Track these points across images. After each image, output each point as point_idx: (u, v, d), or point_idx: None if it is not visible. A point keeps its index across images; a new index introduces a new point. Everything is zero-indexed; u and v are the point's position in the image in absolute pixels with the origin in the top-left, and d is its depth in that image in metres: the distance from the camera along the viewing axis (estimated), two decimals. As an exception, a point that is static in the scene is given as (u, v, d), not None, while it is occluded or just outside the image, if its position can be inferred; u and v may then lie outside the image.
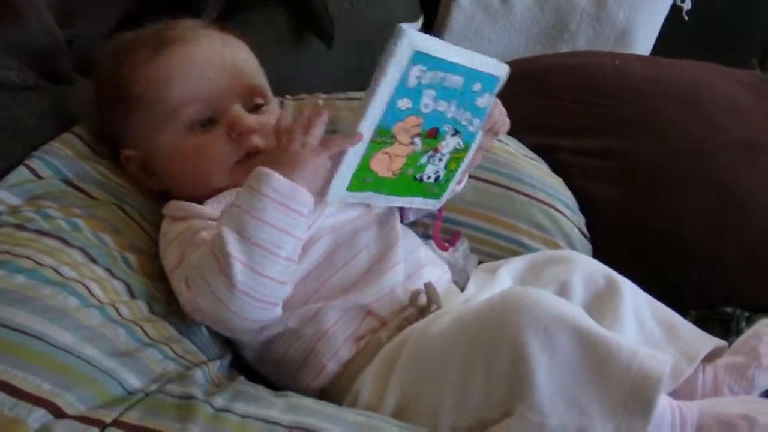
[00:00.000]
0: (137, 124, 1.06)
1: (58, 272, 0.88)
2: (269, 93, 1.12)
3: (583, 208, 1.29)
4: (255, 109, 1.08)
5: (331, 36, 1.50)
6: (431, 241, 1.14)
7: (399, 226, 1.09)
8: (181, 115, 1.04)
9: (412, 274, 1.03)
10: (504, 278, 1.06)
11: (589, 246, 1.26)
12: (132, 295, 0.94)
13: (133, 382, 0.84)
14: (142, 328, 0.90)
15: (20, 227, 0.93)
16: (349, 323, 0.99)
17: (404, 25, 0.86)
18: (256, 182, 0.89)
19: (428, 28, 1.83)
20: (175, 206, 1.02)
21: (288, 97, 1.37)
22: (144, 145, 1.07)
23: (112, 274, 0.93)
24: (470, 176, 1.23)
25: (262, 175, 0.89)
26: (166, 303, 0.97)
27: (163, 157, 1.06)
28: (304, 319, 0.99)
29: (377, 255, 1.03)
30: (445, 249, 1.13)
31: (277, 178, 0.89)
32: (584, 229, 1.27)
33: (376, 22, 1.64)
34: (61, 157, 1.05)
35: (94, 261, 0.93)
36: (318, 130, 0.92)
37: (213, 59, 1.07)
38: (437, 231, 1.13)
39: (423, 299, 0.99)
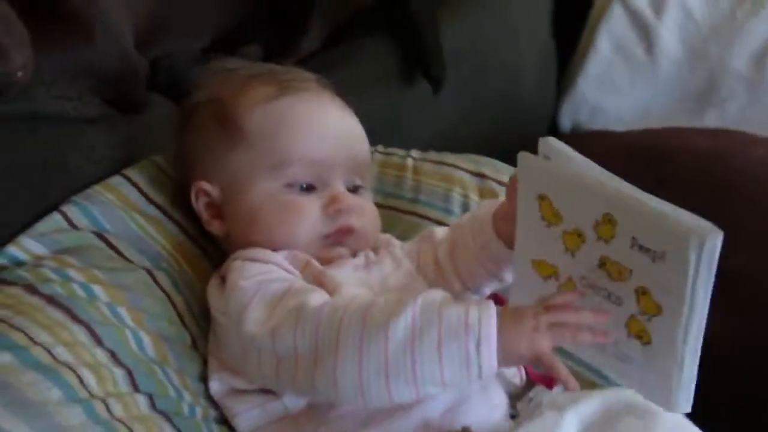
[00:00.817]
0: (236, 160, 0.97)
1: (50, 354, 0.80)
2: (367, 175, 1.04)
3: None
4: (354, 189, 1.00)
5: (440, 80, 1.36)
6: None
7: None
8: (287, 170, 0.96)
9: (454, 407, 0.88)
10: (569, 427, 0.90)
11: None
12: (134, 385, 0.85)
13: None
14: (130, 430, 0.80)
15: (31, 289, 0.86)
16: None
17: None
18: (475, 327, 0.78)
19: (562, 70, 1.65)
20: (251, 251, 0.93)
21: (379, 149, 1.24)
22: (232, 185, 0.98)
23: (116, 360, 0.85)
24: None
25: (485, 327, 0.78)
26: (176, 397, 0.88)
27: (252, 204, 0.96)
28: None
29: None
30: (550, 386, 0.95)
31: (493, 350, 0.78)
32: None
33: (503, 66, 1.49)
34: (102, 204, 0.98)
35: (98, 342, 0.85)
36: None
37: (335, 127, 0.99)
38: None
39: None
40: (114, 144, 1.02)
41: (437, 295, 0.83)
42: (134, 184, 1.01)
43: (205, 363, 0.93)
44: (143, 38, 1.18)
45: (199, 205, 1.00)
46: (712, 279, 0.71)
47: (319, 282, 0.91)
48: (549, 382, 0.94)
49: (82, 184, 0.98)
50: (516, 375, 0.98)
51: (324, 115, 0.99)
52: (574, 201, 0.78)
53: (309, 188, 0.96)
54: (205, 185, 0.99)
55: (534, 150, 0.81)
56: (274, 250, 0.93)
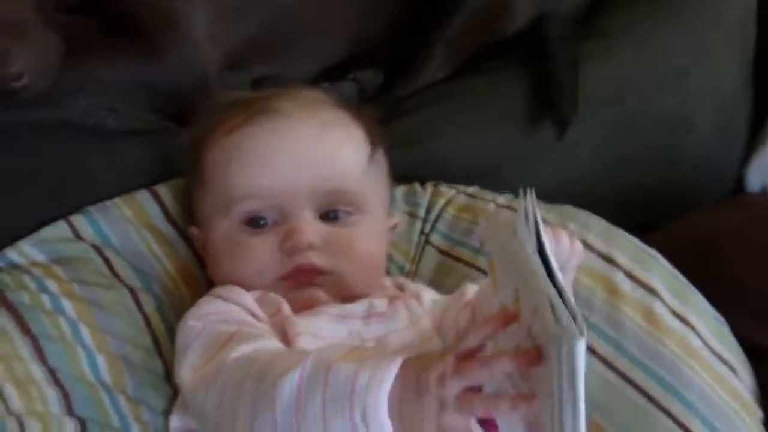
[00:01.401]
0: (202, 202, 0.92)
1: None
2: (364, 201, 0.89)
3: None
4: (330, 218, 0.87)
5: (567, 122, 1.19)
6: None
7: None
8: (237, 207, 0.87)
9: None
10: None
11: None
12: (67, 408, 0.81)
13: None
14: (40, 453, 0.76)
15: None
16: None
17: None
18: (361, 394, 0.61)
19: (757, 126, 1.39)
20: (222, 288, 0.86)
21: (469, 190, 1.10)
22: (204, 227, 0.92)
23: (54, 378, 0.82)
24: (608, 364, 0.88)
25: (372, 395, 0.61)
26: (119, 424, 0.83)
27: (212, 246, 0.91)
28: None
29: None
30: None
31: (383, 425, 0.61)
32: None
33: (662, 115, 1.27)
34: (114, 218, 0.95)
35: (41, 357, 0.83)
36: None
37: (293, 149, 0.88)
38: None
39: None
40: (147, 159, 0.99)
41: (339, 348, 0.69)
42: (158, 200, 0.98)
43: (176, 396, 0.86)
44: (244, 56, 1.15)
45: (199, 247, 0.94)
46: (577, 390, 0.53)
47: (282, 331, 0.80)
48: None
49: (106, 195, 0.96)
50: None
51: (281, 142, 0.88)
52: (505, 271, 0.64)
53: (272, 223, 0.86)
54: (194, 230, 0.94)
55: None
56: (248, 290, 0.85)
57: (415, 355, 0.64)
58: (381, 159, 0.94)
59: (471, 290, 0.88)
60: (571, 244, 0.76)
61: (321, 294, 0.85)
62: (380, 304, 0.86)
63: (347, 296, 0.86)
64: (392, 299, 0.87)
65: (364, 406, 0.61)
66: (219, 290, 0.85)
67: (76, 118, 0.97)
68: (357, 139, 0.92)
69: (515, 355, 0.57)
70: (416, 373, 0.61)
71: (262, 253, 0.86)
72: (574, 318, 0.53)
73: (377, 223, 0.91)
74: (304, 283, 0.85)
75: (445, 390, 0.59)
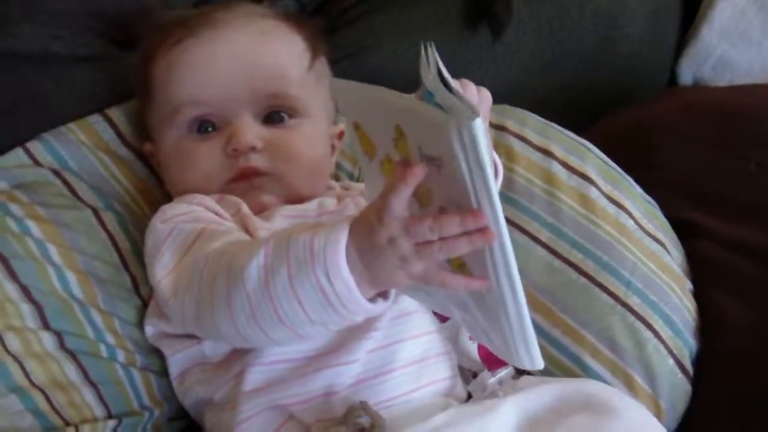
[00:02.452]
0: (150, 116, 0.95)
1: None
2: (304, 105, 0.92)
3: (707, 332, 0.91)
4: (272, 121, 0.90)
5: (502, 23, 1.22)
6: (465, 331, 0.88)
7: (407, 299, 0.85)
8: (181, 115, 0.90)
9: (371, 378, 0.79)
10: (506, 418, 0.77)
11: (686, 388, 0.89)
12: (43, 322, 0.85)
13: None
14: (23, 367, 0.81)
15: None
16: (266, 424, 0.79)
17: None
18: (320, 255, 0.66)
19: (688, 21, 1.43)
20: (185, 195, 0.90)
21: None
22: (156, 141, 0.95)
23: (27, 296, 0.85)
24: (549, 250, 0.93)
25: (330, 254, 0.66)
26: (94, 336, 0.86)
27: (162, 157, 0.94)
28: (224, 398, 0.81)
29: (328, 342, 0.80)
30: (492, 368, 0.83)
31: (346, 279, 0.65)
32: (686, 363, 0.90)
33: (597, 10, 1.30)
34: (70, 142, 0.97)
35: (11, 276, 0.85)
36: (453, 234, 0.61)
37: (232, 56, 0.91)
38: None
39: (363, 419, 0.75)
40: (97, 83, 1.01)
41: (297, 226, 0.74)
42: (112, 124, 1.00)
43: (146, 307, 0.90)
44: None
45: (155, 165, 0.97)
46: (487, 171, 0.56)
47: (245, 228, 0.85)
48: (494, 364, 0.82)
49: (59, 121, 0.98)
50: (482, 351, 0.86)
51: (221, 49, 0.90)
52: (376, 122, 0.66)
53: (216, 129, 0.90)
54: (149, 146, 0.97)
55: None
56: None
57: (358, 216, 0.67)
58: (323, 68, 0.97)
59: None
60: (479, 92, 0.78)
61: (268, 197, 0.88)
62: (330, 202, 0.91)
63: (294, 199, 0.90)
64: (341, 198, 0.92)
65: (325, 265, 0.65)
66: (180, 197, 0.89)
67: (22, 46, 0.98)
68: (296, 46, 0.94)
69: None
70: (366, 234, 0.65)
71: (207, 158, 0.89)
72: (466, 104, 0.55)
73: (319, 127, 0.94)
74: (250, 187, 0.88)
75: (399, 249, 0.63)
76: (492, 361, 0.81)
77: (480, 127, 0.55)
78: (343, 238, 0.65)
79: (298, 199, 0.90)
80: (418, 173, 0.61)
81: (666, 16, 1.40)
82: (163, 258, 0.82)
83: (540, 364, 0.63)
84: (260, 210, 0.88)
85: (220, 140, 0.89)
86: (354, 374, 0.79)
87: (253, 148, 0.88)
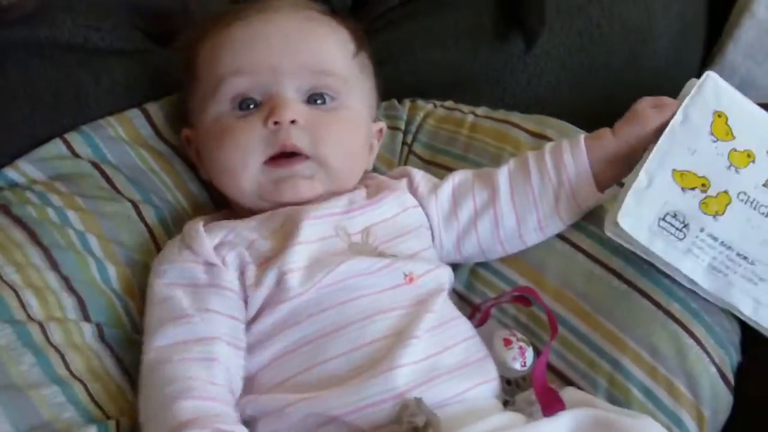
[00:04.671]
0: (194, 96, 0.95)
1: None
2: (347, 91, 0.93)
3: (748, 345, 0.91)
4: (314, 103, 0.90)
5: (535, 34, 1.22)
6: (500, 334, 0.88)
7: (444, 304, 0.85)
8: (224, 86, 0.90)
9: (424, 382, 0.78)
10: (560, 425, 0.76)
11: (728, 398, 0.88)
12: (83, 314, 0.84)
13: (3, 428, 0.73)
14: (64, 358, 0.80)
15: (4, 209, 0.88)
16: (309, 430, 0.77)
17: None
18: None
19: (712, 39, 1.45)
20: (189, 227, 0.88)
21: (447, 104, 1.14)
22: (196, 123, 0.95)
23: (69, 286, 0.85)
24: (591, 257, 0.93)
25: None
26: (132, 330, 0.86)
27: (203, 137, 0.93)
28: (262, 411, 0.79)
29: (381, 349, 0.79)
30: (541, 388, 0.80)
31: None
32: (728, 373, 0.89)
33: (625, 25, 1.31)
34: (108, 136, 0.97)
35: (54, 266, 0.84)
36: None
37: (279, 34, 0.91)
38: (543, 362, 0.83)
39: (418, 419, 0.74)
40: (135, 77, 1.01)
41: None
42: (149, 119, 1.00)
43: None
44: None
45: (191, 152, 0.97)
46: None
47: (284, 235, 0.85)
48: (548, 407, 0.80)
49: (98, 114, 0.98)
50: (516, 359, 0.86)
51: (268, 25, 0.90)
52: (751, 125, 0.89)
53: (255, 104, 0.89)
54: (188, 132, 0.96)
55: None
56: (237, 197, 0.90)
57: None
58: (367, 62, 0.97)
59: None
60: None
61: (306, 187, 0.88)
62: (359, 196, 0.91)
63: (329, 191, 0.89)
64: (373, 191, 0.92)
65: None
66: (186, 239, 0.86)
67: (62, 37, 0.98)
68: (342, 35, 0.95)
69: None
70: None
71: (247, 132, 0.88)
72: None
73: (360, 117, 0.94)
74: (289, 174, 0.87)
75: None
76: (547, 402, 0.79)
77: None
78: None
79: (332, 192, 0.89)
80: None
81: (692, 34, 1.41)
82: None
83: None
84: (295, 201, 0.87)
85: (261, 115, 0.88)
86: (404, 381, 0.77)
87: (294, 122, 0.87)
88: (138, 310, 0.87)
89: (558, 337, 0.88)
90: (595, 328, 0.89)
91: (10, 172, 0.92)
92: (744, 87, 1.40)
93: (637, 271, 0.91)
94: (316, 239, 0.84)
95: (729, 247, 0.86)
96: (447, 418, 0.73)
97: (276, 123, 0.86)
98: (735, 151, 0.88)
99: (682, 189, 0.87)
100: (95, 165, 0.94)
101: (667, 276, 0.90)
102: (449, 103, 1.15)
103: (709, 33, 1.44)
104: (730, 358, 0.89)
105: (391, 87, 1.14)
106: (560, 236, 0.95)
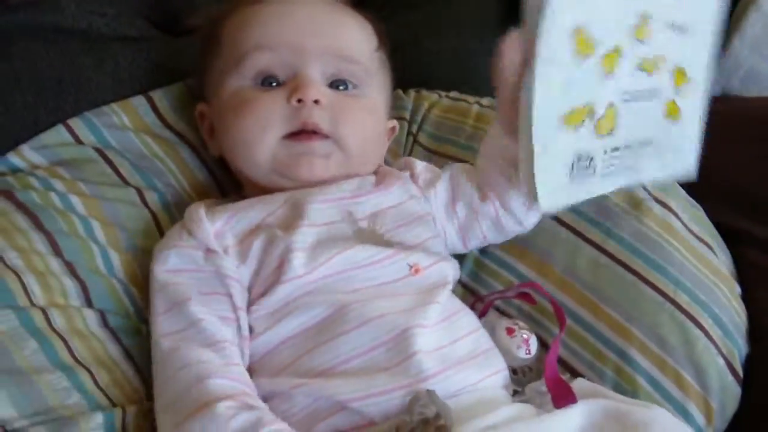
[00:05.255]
0: (213, 70, 0.93)
1: (0, 257, 0.80)
2: (369, 80, 0.92)
3: (756, 336, 0.90)
4: (340, 86, 0.90)
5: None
6: (502, 324, 0.87)
7: (449, 298, 0.84)
8: (248, 60, 0.88)
9: (435, 373, 0.77)
10: (571, 418, 0.75)
11: (736, 390, 0.88)
12: (86, 300, 0.83)
13: (6, 410, 0.72)
14: (67, 344, 0.79)
15: (7, 195, 0.87)
16: (318, 416, 0.76)
17: None
18: None
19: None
20: (191, 211, 0.87)
21: (451, 94, 1.13)
22: (213, 96, 0.93)
23: (72, 272, 0.83)
24: (597, 247, 0.92)
25: None
26: (136, 316, 0.85)
27: (221, 108, 0.91)
28: (270, 394, 0.78)
29: (390, 336, 0.78)
30: (553, 381, 0.78)
31: None
32: (736, 365, 0.89)
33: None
34: (112, 123, 0.96)
35: (57, 252, 0.83)
36: None
37: (307, 15, 0.90)
38: (554, 354, 0.81)
39: (428, 410, 0.73)
40: (139, 64, 1.00)
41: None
42: (154, 106, 0.98)
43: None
44: None
45: (204, 128, 0.96)
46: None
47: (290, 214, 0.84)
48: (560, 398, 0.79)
49: (101, 100, 0.97)
50: (521, 347, 0.85)
51: (295, 8, 0.90)
52: (610, 17, 0.76)
53: (278, 83, 0.88)
54: (202, 107, 0.95)
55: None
56: (247, 172, 0.89)
57: None
58: (385, 59, 0.97)
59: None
60: None
61: (321, 166, 0.87)
62: (368, 182, 0.90)
63: (345, 173, 0.88)
64: (382, 178, 0.92)
65: None
66: (187, 223, 0.85)
67: (66, 22, 0.97)
68: (367, 28, 0.95)
69: None
70: None
71: (269, 105, 0.86)
72: None
73: (379, 108, 0.94)
74: (306, 150, 0.86)
75: None
76: (558, 394, 0.78)
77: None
78: None
79: (345, 175, 0.88)
80: None
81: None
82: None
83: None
84: (307, 180, 0.86)
85: (284, 92, 0.87)
86: (417, 370, 0.76)
87: (317, 102, 0.86)
88: (142, 297, 0.86)
89: (566, 328, 0.88)
90: (602, 318, 0.89)
91: (13, 158, 0.91)
92: (749, 80, 1.41)
93: (644, 261, 0.90)
94: (323, 223, 0.84)
95: (629, 147, 0.80)
96: (458, 410, 0.72)
97: (299, 101, 0.85)
98: (605, 56, 0.76)
99: (575, 129, 0.77)
100: (99, 151, 0.93)
101: (675, 266, 0.89)
102: (454, 94, 1.14)
103: (714, 26, 1.44)
104: (738, 349, 0.89)
105: (396, 77, 1.13)
106: (566, 225, 0.94)
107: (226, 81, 0.90)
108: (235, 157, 0.90)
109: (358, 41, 0.92)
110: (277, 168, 0.86)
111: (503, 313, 0.92)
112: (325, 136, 0.87)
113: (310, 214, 0.83)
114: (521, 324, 0.87)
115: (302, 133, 0.86)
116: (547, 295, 0.87)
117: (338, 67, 0.89)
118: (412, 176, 0.94)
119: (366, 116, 0.90)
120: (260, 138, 0.86)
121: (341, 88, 0.89)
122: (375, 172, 0.93)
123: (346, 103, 0.88)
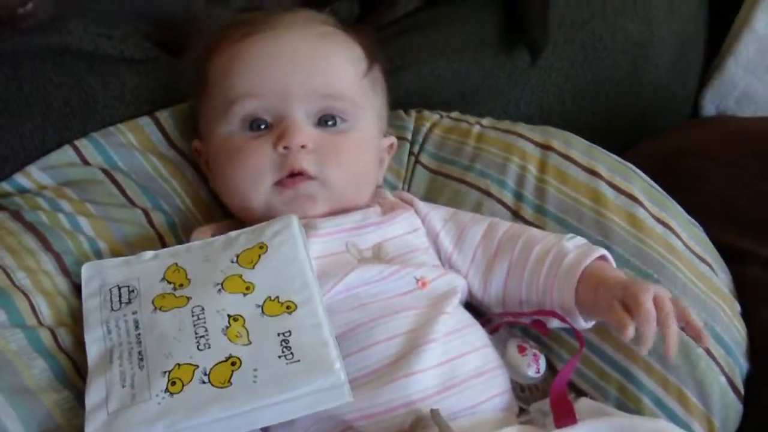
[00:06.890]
0: (204, 110, 0.95)
1: (9, 277, 0.82)
2: (357, 110, 0.92)
3: (757, 354, 0.92)
4: (324, 125, 0.90)
5: (539, 48, 1.23)
6: (514, 341, 0.88)
7: (460, 310, 0.85)
8: (235, 107, 0.89)
9: (439, 391, 0.78)
10: None
11: (738, 407, 0.89)
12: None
13: (15, 428, 0.72)
14: (74, 363, 0.79)
15: (16, 215, 0.88)
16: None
17: None
18: None
19: (712, 53, 1.46)
20: (195, 236, 0.89)
21: (452, 115, 1.14)
22: (206, 137, 0.95)
23: (79, 292, 0.83)
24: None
25: None
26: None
27: (212, 152, 0.93)
28: None
29: (396, 351, 0.79)
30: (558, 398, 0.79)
31: None
32: (738, 383, 0.90)
33: (627, 41, 1.32)
34: (119, 144, 0.97)
35: (65, 272, 0.85)
36: None
37: (291, 54, 0.90)
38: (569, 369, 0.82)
39: (432, 430, 0.74)
40: (145, 85, 1.01)
41: None
42: (160, 126, 1.00)
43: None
44: None
45: (202, 163, 0.97)
46: None
47: None
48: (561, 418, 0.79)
49: (108, 121, 0.98)
50: (531, 365, 0.86)
51: (280, 43, 0.90)
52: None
53: (266, 125, 0.89)
54: (197, 144, 0.96)
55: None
56: (243, 213, 0.90)
57: None
58: (378, 76, 0.97)
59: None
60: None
61: (312, 208, 0.88)
62: (374, 213, 0.91)
63: (338, 209, 0.89)
64: (387, 209, 0.92)
65: None
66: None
67: (74, 44, 0.98)
68: (354, 52, 0.95)
69: None
70: None
71: (258, 155, 0.87)
72: None
73: (370, 136, 0.94)
74: (295, 195, 0.87)
75: None
76: (559, 413, 0.79)
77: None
78: None
79: (342, 209, 0.89)
80: None
81: (692, 48, 1.43)
82: None
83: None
84: (303, 217, 0.87)
85: (271, 137, 0.88)
86: (421, 388, 0.77)
87: (303, 146, 0.87)
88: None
89: (568, 348, 0.89)
90: (605, 338, 0.89)
91: (21, 179, 0.93)
92: (744, 100, 1.43)
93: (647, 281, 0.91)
94: (326, 255, 0.84)
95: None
96: (460, 430, 0.73)
97: (286, 148, 0.87)
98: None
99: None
100: (106, 172, 0.94)
101: (677, 285, 0.90)
102: (455, 114, 1.15)
103: (709, 47, 1.46)
104: (739, 367, 0.90)
105: (397, 97, 1.15)
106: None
107: (216, 126, 0.91)
108: (231, 202, 0.92)
109: (344, 75, 0.93)
110: (272, 213, 0.87)
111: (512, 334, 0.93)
112: (311, 177, 0.87)
113: (311, 248, 0.84)
114: (532, 343, 0.88)
115: (290, 178, 0.87)
116: (565, 322, 0.86)
117: (324, 105, 0.90)
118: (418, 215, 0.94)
119: (354, 153, 0.91)
120: (254, 188, 0.88)
121: (330, 123, 0.90)
122: (380, 203, 0.94)
123: (333, 144, 0.89)
